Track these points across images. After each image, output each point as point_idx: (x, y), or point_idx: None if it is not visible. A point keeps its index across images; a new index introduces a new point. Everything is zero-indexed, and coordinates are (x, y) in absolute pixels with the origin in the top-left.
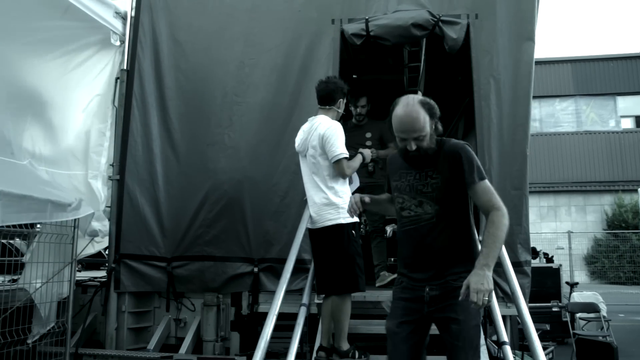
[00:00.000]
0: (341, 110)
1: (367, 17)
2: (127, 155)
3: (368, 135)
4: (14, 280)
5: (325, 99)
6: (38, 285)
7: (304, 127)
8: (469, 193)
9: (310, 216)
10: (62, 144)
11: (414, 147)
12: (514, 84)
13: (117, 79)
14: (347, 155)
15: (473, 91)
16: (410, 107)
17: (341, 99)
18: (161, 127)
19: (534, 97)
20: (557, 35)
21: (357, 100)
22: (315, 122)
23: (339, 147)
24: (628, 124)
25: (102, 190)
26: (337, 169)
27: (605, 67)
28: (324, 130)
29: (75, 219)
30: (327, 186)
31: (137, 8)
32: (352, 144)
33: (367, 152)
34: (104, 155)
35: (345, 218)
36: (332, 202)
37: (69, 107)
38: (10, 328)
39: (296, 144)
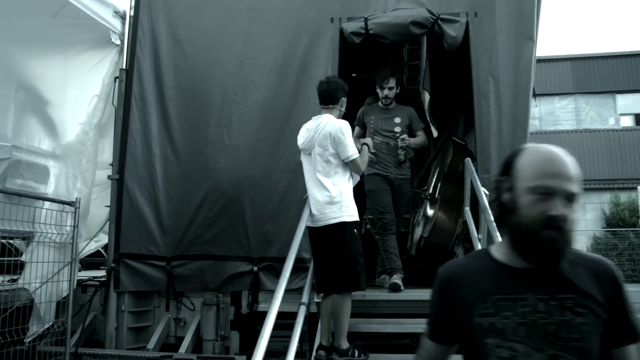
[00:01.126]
0: (344, 109)
1: (366, 16)
2: (127, 155)
3: (397, 120)
4: (14, 280)
5: (328, 98)
6: (37, 285)
7: (309, 126)
8: (615, 353)
9: (312, 214)
10: (49, 139)
11: (563, 213)
12: (513, 82)
13: (116, 78)
14: (358, 154)
15: (472, 89)
16: (560, 150)
17: (343, 98)
18: (161, 127)
19: (533, 95)
20: (556, 34)
21: (384, 80)
22: (322, 122)
23: (350, 147)
24: (628, 122)
25: (80, 190)
26: (353, 168)
27: (604, 65)
28: (334, 131)
29: (75, 219)
30: (333, 184)
31: (136, 7)
32: (381, 131)
33: (369, 141)
34: (84, 155)
35: (349, 216)
36: (336, 200)
37: (63, 103)
38: (10, 328)
39: (300, 142)
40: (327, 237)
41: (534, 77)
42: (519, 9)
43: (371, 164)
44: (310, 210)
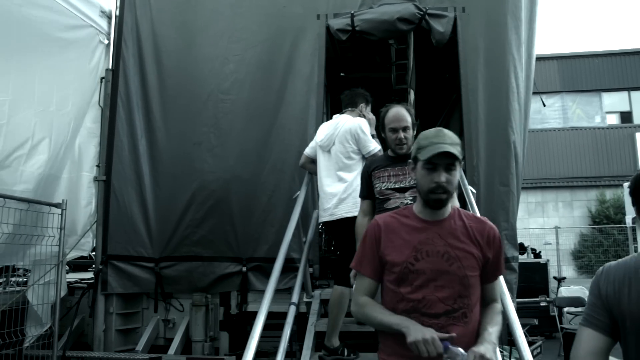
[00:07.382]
0: (358, 112)
1: (352, 12)
2: (113, 156)
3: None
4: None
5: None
6: (26, 287)
7: (329, 124)
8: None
9: (325, 209)
10: (36, 140)
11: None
12: (501, 79)
13: (102, 78)
14: (379, 147)
15: (460, 86)
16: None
17: (363, 103)
18: (146, 127)
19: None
20: (543, 33)
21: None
22: (341, 120)
23: (371, 142)
24: (613, 120)
25: (70, 193)
26: None
27: (590, 63)
28: (354, 128)
29: (62, 221)
30: (353, 179)
31: (122, 6)
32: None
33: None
34: (76, 157)
35: None
36: (352, 194)
37: (50, 105)
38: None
39: (319, 139)
40: (344, 229)
41: (532, 74)
42: (507, 3)
43: None
44: (323, 206)
